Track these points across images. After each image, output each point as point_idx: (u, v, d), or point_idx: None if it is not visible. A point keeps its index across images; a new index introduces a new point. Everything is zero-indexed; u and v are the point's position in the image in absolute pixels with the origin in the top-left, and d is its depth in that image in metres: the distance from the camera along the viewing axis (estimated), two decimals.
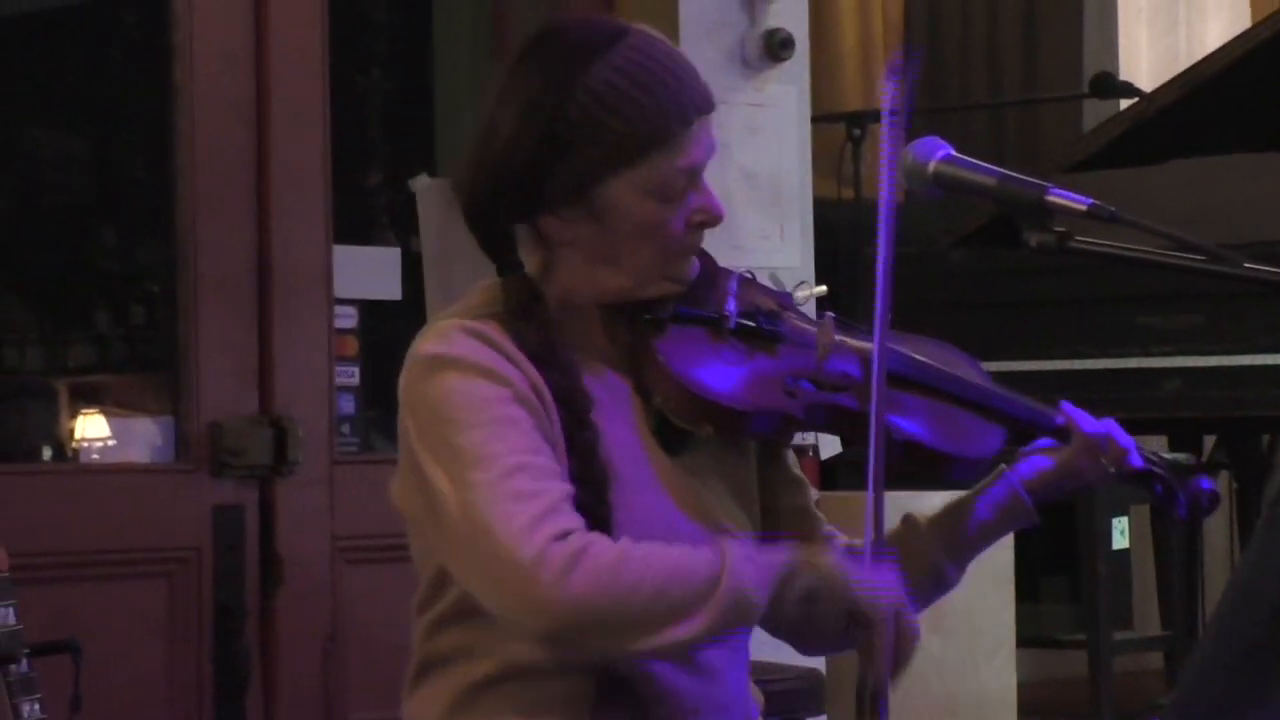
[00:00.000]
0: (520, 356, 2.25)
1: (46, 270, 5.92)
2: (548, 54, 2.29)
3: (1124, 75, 6.83)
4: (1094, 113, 6.92)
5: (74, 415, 5.51)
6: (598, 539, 2.17)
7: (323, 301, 4.46)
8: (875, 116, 6.00)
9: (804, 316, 2.43)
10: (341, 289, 4.55)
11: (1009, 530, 2.48)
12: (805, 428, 2.39)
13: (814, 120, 5.36)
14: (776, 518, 2.46)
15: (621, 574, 2.15)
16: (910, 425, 2.36)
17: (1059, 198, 2.19)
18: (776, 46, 5.09)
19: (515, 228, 2.31)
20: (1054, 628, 6.26)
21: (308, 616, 4.38)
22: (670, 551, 2.19)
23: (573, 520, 2.18)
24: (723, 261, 2.43)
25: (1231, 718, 2.16)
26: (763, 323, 2.37)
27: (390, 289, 4.88)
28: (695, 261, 2.36)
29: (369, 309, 4.84)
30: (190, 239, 4.33)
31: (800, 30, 5.17)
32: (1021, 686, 5.00)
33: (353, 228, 4.89)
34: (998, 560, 4.83)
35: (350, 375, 4.75)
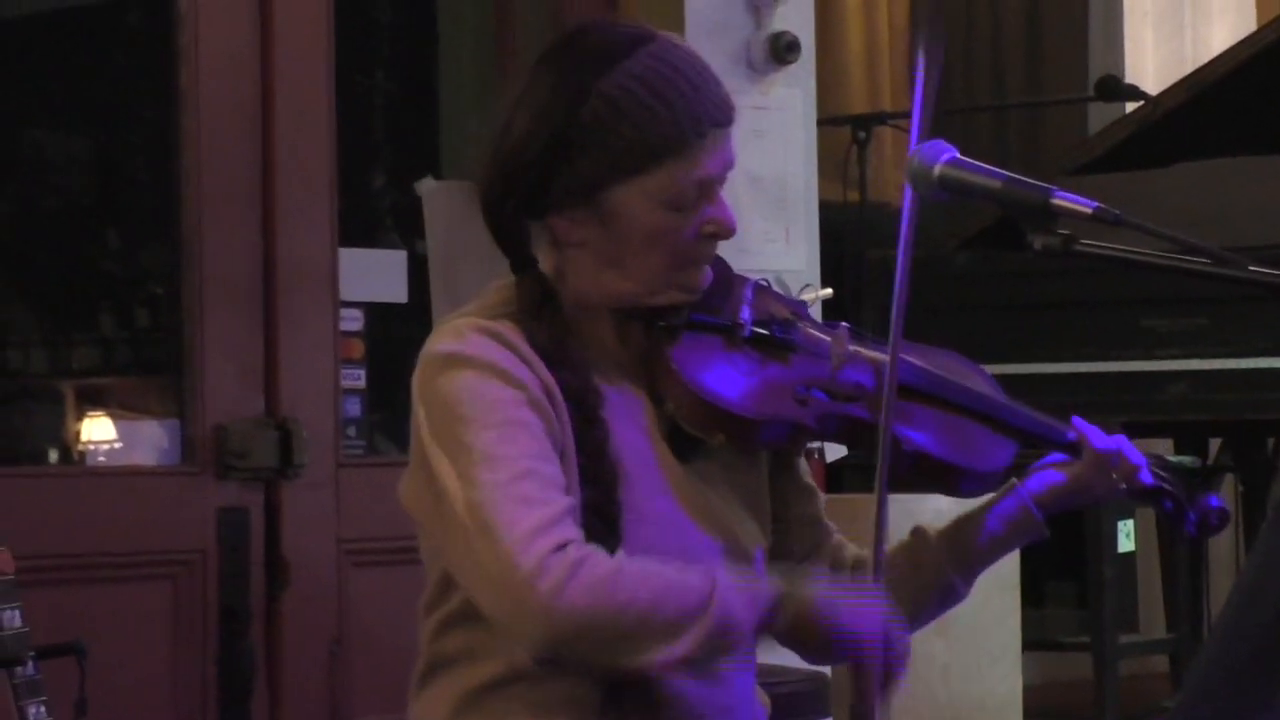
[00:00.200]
0: (534, 357, 2.25)
1: (51, 273, 5.92)
2: (568, 56, 2.30)
3: (1129, 78, 6.81)
4: (1099, 116, 6.90)
5: (79, 418, 5.52)
6: (595, 552, 2.17)
7: (328, 304, 4.46)
8: (880, 119, 6.02)
9: (818, 325, 2.42)
10: (347, 291, 4.55)
11: (1019, 544, 2.49)
12: (817, 437, 2.39)
13: (819, 123, 5.36)
14: (787, 526, 2.46)
15: (615, 589, 2.15)
16: (920, 437, 2.35)
17: (1064, 201, 2.18)
18: (782, 49, 5.09)
19: (529, 225, 2.31)
20: (1060, 631, 6.25)
21: (313, 619, 4.38)
22: (664, 571, 2.18)
23: (573, 533, 2.18)
24: None
25: None
26: (776, 331, 2.37)
27: (396, 291, 4.88)
28: (708, 271, 2.35)
29: (374, 312, 4.84)
30: (195, 241, 4.33)
31: (806, 33, 5.18)
32: (1027, 690, 4.98)
33: (358, 230, 4.90)
34: (1003, 564, 4.80)
35: (356, 378, 4.75)
